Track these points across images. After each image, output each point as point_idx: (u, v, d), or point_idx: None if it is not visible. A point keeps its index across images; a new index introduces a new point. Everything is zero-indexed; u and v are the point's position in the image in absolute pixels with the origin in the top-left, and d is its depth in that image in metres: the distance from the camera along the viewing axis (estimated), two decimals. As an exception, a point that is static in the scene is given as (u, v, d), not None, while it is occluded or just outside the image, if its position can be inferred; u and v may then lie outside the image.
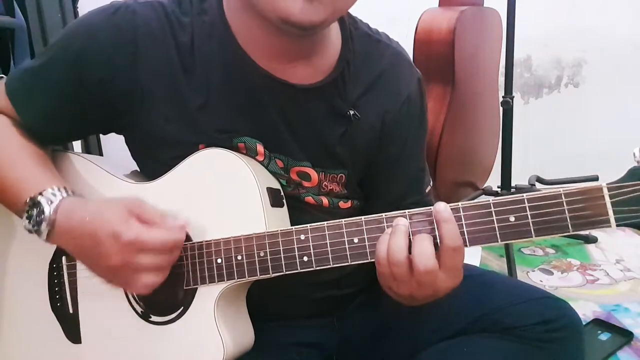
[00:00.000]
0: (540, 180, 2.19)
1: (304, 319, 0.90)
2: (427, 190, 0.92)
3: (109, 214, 0.68)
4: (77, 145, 1.62)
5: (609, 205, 0.60)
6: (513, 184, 1.94)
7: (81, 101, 0.77)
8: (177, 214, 0.76)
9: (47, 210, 0.70)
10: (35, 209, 0.70)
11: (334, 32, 0.81)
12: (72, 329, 0.80)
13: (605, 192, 0.60)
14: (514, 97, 1.80)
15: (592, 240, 2.02)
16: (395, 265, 0.65)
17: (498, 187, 1.94)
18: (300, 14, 0.66)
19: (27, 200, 0.71)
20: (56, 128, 0.80)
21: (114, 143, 0.88)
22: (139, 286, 0.68)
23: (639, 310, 1.56)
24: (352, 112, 0.80)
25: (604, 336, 1.41)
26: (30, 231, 0.71)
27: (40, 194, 0.71)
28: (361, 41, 0.83)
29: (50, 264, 0.82)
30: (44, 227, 0.70)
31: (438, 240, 0.65)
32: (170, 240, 0.68)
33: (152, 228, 0.68)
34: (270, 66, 0.77)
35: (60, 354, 0.81)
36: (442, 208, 0.64)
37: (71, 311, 0.80)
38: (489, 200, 0.63)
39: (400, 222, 0.66)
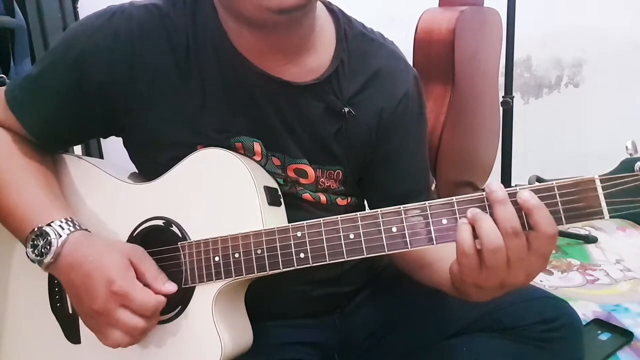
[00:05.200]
0: (540, 180, 2.18)
1: (304, 318, 0.90)
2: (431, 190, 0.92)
3: (109, 259, 0.70)
4: (77, 147, 1.62)
5: (601, 197, 0.60)
6: (513, 184, 1.94)
7: (81, 105, 0.77)
8: (175, 213, 0.76)
9: (55, 243, 0.70)
10: (41, 240, 0.70)
11: (328, 31, 0.82)
12: (71, 330, 0.80)
13: (598, 183, 0.60)
14: (514, 97, 1.80)
15: (592, 240, 2.02)
16: (495, 251, 0.60)
17: (498, 187, 1.94)
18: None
19: (35, 229, 0.71)
20: (57, 134, 0.81)
21: (114, 145, 0.89)
22: (108, 340, 0.69)
23: (639, 310, 1.56)
24: (346, 110, 0.80)
25: (604, 336, 1.40)
26: (32, 260, 0.71)
27: (49, 225, 0.71)
28: (356, 40, 0.84)
29: (50, 265, 0.82)
30: (47, 259, 0.70)
31: (527, 227, 0.61)
32: (152, 308, 0.69)
33: (143, 288, 0.69)
34: (265, 65, 0.77)
35: (59, 354, 0.81)
36: (528, 196, 0.60)
37: (70, 312, 0.80)
38: (482, 194, 0.63)
39: (476, 211, 0.62)
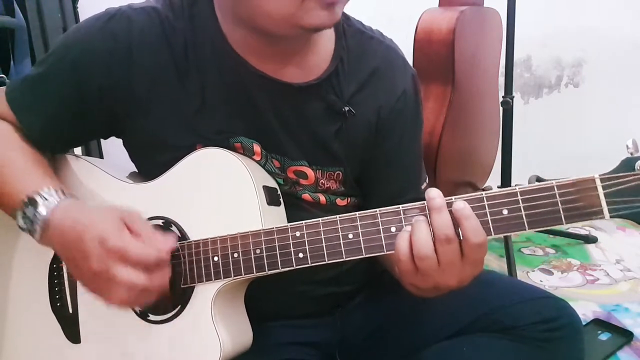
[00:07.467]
0: (540, 180, 2.18)
1: (304, 317, 0.90)
2: (423, 187, 0.92)
3: (101, 218, 0.68)
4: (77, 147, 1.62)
5: (602, 196, 0.59)
6: (513, 184, 1.94)
7: (81, 107, 0.78)
8: (174, 213, 0.76)
9: (43, 209, 0.69)
10: (31, 208, 0.70)
11: (327, 30, 0.82)
12: (71, 329, 0.80)
13: (598, 183, 0.59)
14: (514, 97, 1.80)
15: (592, 240, 2.02)
16: (423, 259, 0.63)
17: (498, 187, 1.94)
18: (329, 21, 0.69)
19: (24, 198, 0.71)
20: (58, 135, 0.81)
21: (114, 145, 0.89)
22: (111, 298, 0.66)
23: (639, 310, 1.56)
24: (346, 109, 0.80)
25: (604, 336, 1.41)
26: (23, 229, 0.71)
27: (38, 192, 0.70)
28: (354, 38, 0.84)
29: (51, 264, 0.82)
30: (37, 226, 0.70)
31: (460, 236, 0.63)
32: (153, 258, 0.66)
33: (139, 243, 0.66)
34: (264, 66, 0.77)
35: (59, 354, 0.81)
36: (461, 206, 0.62)
37: (71, 311, 0.81)
38: (482, 194, 0.63)
39: (420, 218, 0.64)
